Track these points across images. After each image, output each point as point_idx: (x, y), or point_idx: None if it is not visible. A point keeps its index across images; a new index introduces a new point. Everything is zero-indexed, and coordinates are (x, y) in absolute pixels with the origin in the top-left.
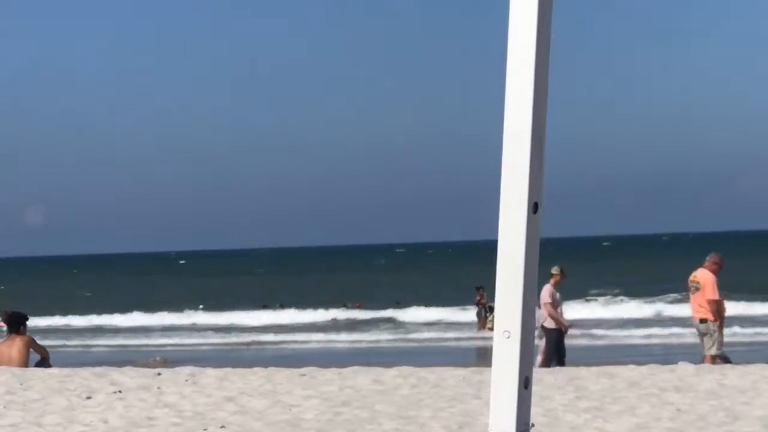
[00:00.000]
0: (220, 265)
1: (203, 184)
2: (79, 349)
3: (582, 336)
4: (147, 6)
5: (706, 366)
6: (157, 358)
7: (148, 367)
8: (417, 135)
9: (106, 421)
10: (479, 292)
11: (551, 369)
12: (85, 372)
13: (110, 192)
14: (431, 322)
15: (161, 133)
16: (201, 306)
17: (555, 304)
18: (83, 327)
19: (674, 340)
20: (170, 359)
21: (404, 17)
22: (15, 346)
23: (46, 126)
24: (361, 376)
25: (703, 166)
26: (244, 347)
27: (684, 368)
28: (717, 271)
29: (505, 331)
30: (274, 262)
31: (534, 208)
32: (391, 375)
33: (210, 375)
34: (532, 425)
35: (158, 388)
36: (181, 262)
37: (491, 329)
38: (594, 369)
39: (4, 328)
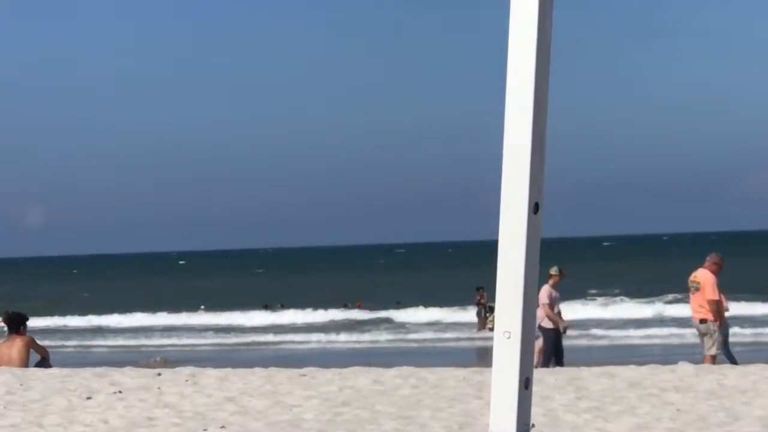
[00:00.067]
0: (220, 265)
1: (203, 184)
2: (79, 349)
3: (582, 336)
4: (130, 6)
5: (707, 366)
6: (158, 359)
7: (149, 367)
8: (417, 135)
9: (106, 422)
10: (479, 293)
11: (551, 369)
12: (86, 372)
13: (110, 192)
14: (431, 322)
15: (161, 133)
16: (202, 306)
17: (552, 305)
18: (83, 327)
19: (674, 341)
20: (170, 359)
21: (404, 17)
22: (15, 347)
23: (46, 126)
24: (361, 377)
25: (704, 166)
26: (244, 347)
27: (684, 368)
28: (717, 272)
29: (506, 331)
30: (275, 262)
31: (534, 208)
32: (391, 375)
33: (210, 375)
34: (533, 425)
35: (158, 388)
36: (181, 262)
37: (491, 329)
38: (594, 369)
39: (5, 328)
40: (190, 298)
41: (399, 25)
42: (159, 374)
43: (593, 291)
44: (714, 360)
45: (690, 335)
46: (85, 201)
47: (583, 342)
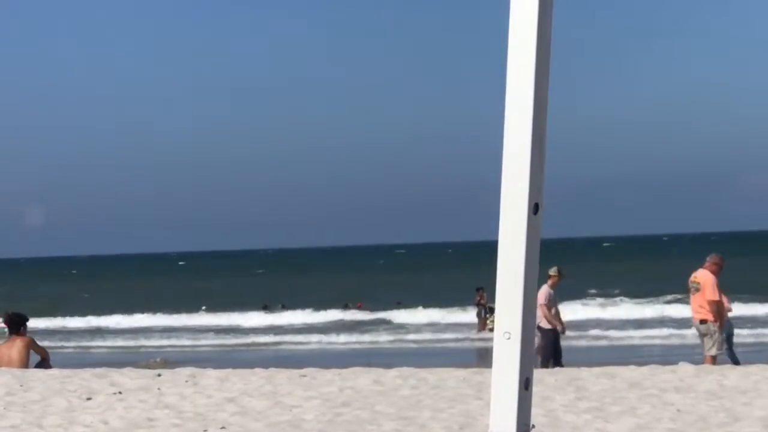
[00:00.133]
0: (219, 265)
1: (203, 184)
2: (79, 350)
3: (582, 336)
4: (130, 6)
5: (707, 367)
6: (158, 359)
7: (149, 368)
8: (417, 136)
9: (106, 422)
10: (479, 293)
11: (552, 370)
12: (86, 373)
13: (109, 193)
14: (431, 322)
15: (161, 133)
16: (204, 307)
17: (550, 305)
18: (83, 328)
19: (674, 341)
20: (170, 360)
21: (405, 17)
22: (15, 347)
23: (46, 127)
24: (361, 377)
25: (704, 166)
26: (244, 348)
27: (684, 369)
28: (717, 272)
29: (506, 332)
30: (274, 262)
31: (534, 208)
32: (391, 376)
33: (210, 376)
34: (533, 426)
35: (158, 389)
36: (181, 263)
37: (491, 330)
38: (594, 370)
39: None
40: (190, 298)
41: (399, 25)
42: (159, 375)
43: (593, 291)
44: (714, 360)
45: (690, 336)
46: (85, 201)
47: (583, 342)
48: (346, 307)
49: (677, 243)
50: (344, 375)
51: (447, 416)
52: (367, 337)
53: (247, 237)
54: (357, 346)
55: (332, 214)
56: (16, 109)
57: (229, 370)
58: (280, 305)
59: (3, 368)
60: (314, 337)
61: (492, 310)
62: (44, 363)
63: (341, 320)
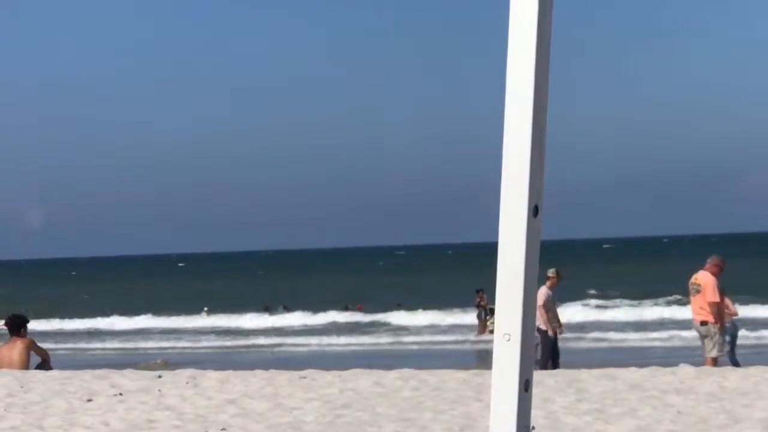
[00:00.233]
0: (219, 267)
1: (203, 185)
2: (79, 351)
3: (583, 338)
4: (130, 6)
5: (707, 368)
6: (158, 361)
7: (149, 369)
8: (417, 136)
9: (106, 424)
10: (479, 295)
11: (552, 371)
12: (86, 374)
13: (109, 194)
14: (432, 324)
15: (162, 135)
16: (206, 308)
17: (548, 307)
18: (83, 329)
19: (675, 343)
20: (171, 362)
21: (405, 17)
22: (16, 349)
23: (46, 127)
24: (361, 379)
25: (705, 168)
26: (245, 350)
27: (685, 371)
28: (718, 274)
29: (506, 333)
30: (275, 264)
31: (534, 210)
32: (391, 377)
33: (211, 377)
34: (533, 428)
35: (159, 390)
36: (180, 264)
37: (491, 332)
38: (595, 371)
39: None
40: (191, 300)
41: (399, 25)
42: (159, 376)
43: (593, 293)
44: (715, 362)
45: (691, 337)
46: (85, 202)
47: (584, 344)
48: (346, 308)
49: (677, 245)
50: (345, 377)
51: (448, 418)
52: (367, 339)
53: (247, 238)
54: (357, 347)
55: (332, 215)
56: (16, 109)
57: (230, 372)
58: (281, 306)
59: (3, 369)
60: (314, 339)
61: (492, 312)
62: (45, 364)
63: (342, 322)
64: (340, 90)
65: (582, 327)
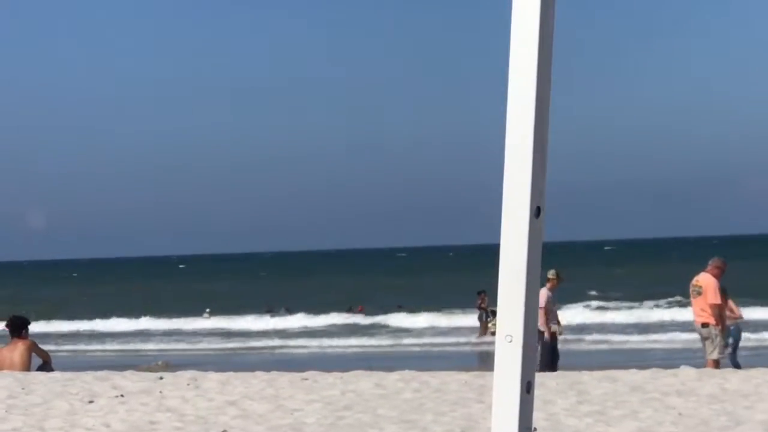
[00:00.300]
0: (220, 269)
1: (202, 187)
2: (81, 353)
3: (584, 340)
4: (131, 6)
5: (709, 370)
6: (159, 363)
7: (150, 371)
8: (418, 137)
9: (108, 425)
10: (480, 296)
11: (553, 373)
12: (87, 376)
13: (110, 195)
14: (433, 326)
15: (162, 137)
16: (208, 310)
17: (548, 309)
18: (84, 331)
19: (676, 345)
20: (172, 363)
21: (405, 17)
22: (17, 350)
23: (46, 127)
24: (363, 381)
25: (706, 170)
26: (246, 351)
27: (686, 372)
28: (719, 276)
29: (508, 335)
30: (276, 266)
31: (536, 212)
32: (393, 379)
33: (212, 379)
34: (535, 429)
35: (160, 392)
36: (181, 266)
37: (493, 333)
38: (596, 373)
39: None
40: (192, 301)
41: (399, 25)
42: (161, 378)
43: (594, 295)
44: (716, 364)
45: (692, 339)
46: (85, 203)
47: (585, 346)
48: (349, 310)
49: (678, 247)
50: (346, 378)
51: (449, 419)
52: (368, 341)
53: (248, 241)
54: (358, 349)
55: (333, 217)
56: (16, 110)
57: (231, 374)
58: (283, 308)
59: (5, 371)
60: (315, 341)
61: (494, 314)
62: (46, 366)
63: (343, 323)
64: (340, 90)
65: (583, 329)
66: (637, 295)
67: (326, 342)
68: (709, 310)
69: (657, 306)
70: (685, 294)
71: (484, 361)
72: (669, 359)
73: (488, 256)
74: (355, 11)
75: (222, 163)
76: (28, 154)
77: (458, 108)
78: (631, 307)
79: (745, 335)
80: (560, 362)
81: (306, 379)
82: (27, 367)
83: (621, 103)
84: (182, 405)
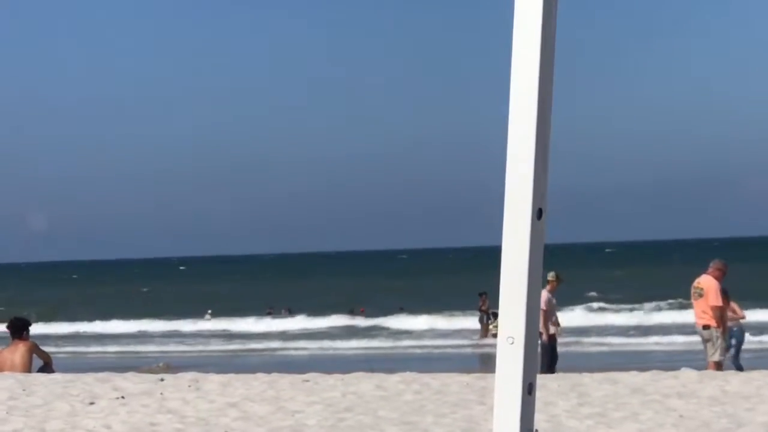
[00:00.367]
0: (221, 270)
1: (203, 187)
2: (81, 354)
3: (584, 342)
4: (131, 7)
5: (710, 372)
6: (160, 364)
7: (151, 372)
8: (418, 137)
9: (109, 427)
10: (482, 298)
11: (555, 375)
12: (88, 377)
13: (110, 197)
14: (434, 328)
15: (162, 137)
16: (210, 311)
17: (549, 310)
18: (84, 333)
19: (677, 347)
20: (173, 365)
21: (405, 18)
22: (18, 352)
23: (45, 126)
24: (364, 382)
25: (706, 171)
26: (247, 353)
27: (687, 374)
28: (720, 278)
29: (509, 337)
30: (277, 267)
31: (538, 214)
32: (394, 381)
33: (213, 381)
34: (536, 431)
35: (161, 393)
36: (182, 268)
37: (494, 335)
38: (597, 375)
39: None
40: (192, 303)
41: (399, 25)
42: (161, 380)
43: (595, 296)
44: (717, 366)
45: (693, 341)
46: (85, 204)
47: (585, 348)
48: (352, 312)
49: (679, 249)
50: (347, 380)
51: (450, 421)
52: (369, 343)
53: (249, 242)
54: (359, 351)
55: (333, 218)
56: (16, 110)
57: (232, 375)
58: (284, 310)
59: (6, 372)
60: (316, 342)
61: (495, 316)
62: (47, 367)
63: (344, 325)
64: (341, 96)
65: (584, 330)
66: (637, 297)
67: (327, 344)
68: (710, 312)
69: (658, 308)
70: (686, 296)
71: (485, 363)
72: (669, 361)
73: (489, 258)
74: (355, 11)
75: (222, 163)
76: (28, 155)
77: (458, 108)
78: (631, 309)
79: (746, 337)
80: (561, 364)
81: (307, 380)
82: (28, 369)
83: (621, 103)
84: (183, 407)
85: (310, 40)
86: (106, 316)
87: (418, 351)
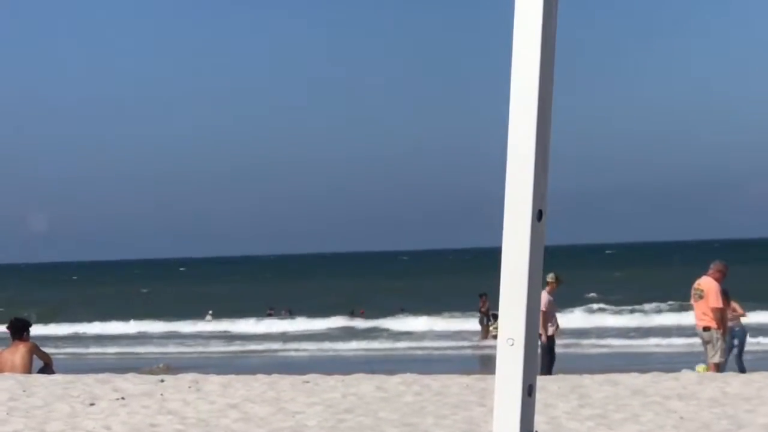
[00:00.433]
0: (221, 271)
1: (202, 188)
2: (81, 355)
3: (584, 344)
4: (131, 7)
5: (710, 374)
6: (161, 365)
7: (152, 373)
8: (419, 140)
9: (109, 428)
10: (482, 300)
11: (555, 376)
12: (89, 378)
13: (110, 198)
14: (434, 329)
15: (163, 138)
16: (210, 311)
17: (549, 312)
18: (85, 333)
19: (677, 348)
20: (173, 366)
21: (405, 18)
22: (18, 353)
23: (45, 126)
24: (364, 384)
25: (707, 172)
26: (247, 354)
27: (687, 376)
28: (720, 279)
29: (509, 338)
30: (277, 269)
31: (538, 215)
32: (394, 382)
33: (213, 382)
34: None
35: (161, 394)
36: (182, 269)
37: (494, 337)
38: (597, 377)
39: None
40: (193, 304)
41: (399, 25)
42: (162, 381)
43: (595, 298)
44: (718, 368)
45: (693, 343)
46: (85, 205)
47: (586, 349)
48: (352, 313)
49: (679, 250)
50: (347, 381)
51: (450, 423)
52: (370, 344)
53: (249, 243)
54: (360, 352)
55: (334, 219)
56: (16, 110)
57: (232, 376)
58: (284, 311)
59: (6, 373)
60: (317, 344)
61: (495, 317)
62: (47, 368)
63: (344, 326)
64: (341, 97)
65: (584, 332)
66: (638, 298)
67: (328, 345)
68: (710, 314)
69: (658, 309)
70: (686, 297)
71: (486, 364)
72: (670, 363)
73: (490, 259)
74: (355, 11)
75: (222, 164)
76: (28, 155)
77: (458, 108)
78: (632, 311)
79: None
80: (561, 366)
81: (307, 381)
82: (28, 370)
83: (621, 104)
84: (183, 408)
85: (310, 40)
86: (106, 317)
87: (419, 352)
